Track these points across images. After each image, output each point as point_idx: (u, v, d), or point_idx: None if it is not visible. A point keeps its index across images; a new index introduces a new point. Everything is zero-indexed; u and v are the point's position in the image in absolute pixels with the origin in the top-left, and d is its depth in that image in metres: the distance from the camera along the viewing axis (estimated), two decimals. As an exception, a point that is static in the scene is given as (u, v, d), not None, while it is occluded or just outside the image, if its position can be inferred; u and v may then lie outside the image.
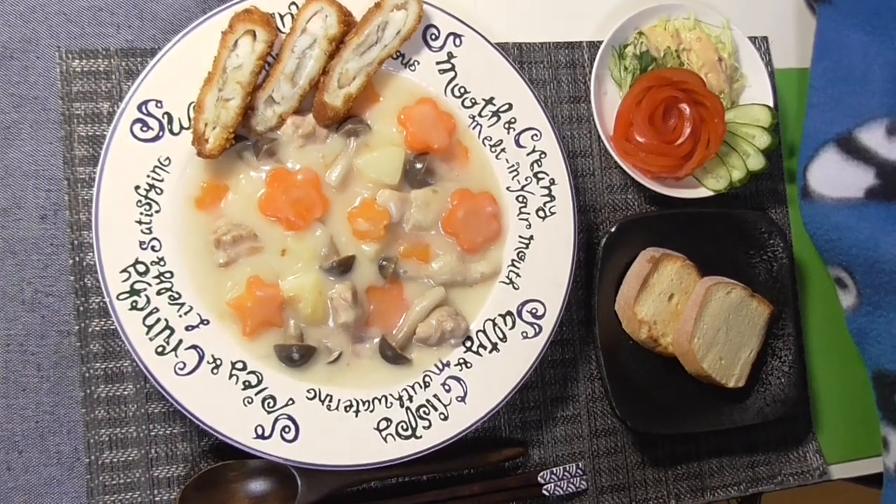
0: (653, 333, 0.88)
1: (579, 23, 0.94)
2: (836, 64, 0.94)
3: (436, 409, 0.82)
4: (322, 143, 0.82)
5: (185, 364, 0.75)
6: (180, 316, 0.76)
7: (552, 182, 0.86)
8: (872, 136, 0.91)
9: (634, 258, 0.90)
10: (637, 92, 0.89)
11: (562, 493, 0.88)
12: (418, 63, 0.84)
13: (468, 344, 0.84)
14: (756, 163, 0.92)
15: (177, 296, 0.76)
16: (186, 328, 0.76)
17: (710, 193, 0.92)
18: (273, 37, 0.77)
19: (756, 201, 0.97)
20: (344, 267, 0.80)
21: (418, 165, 0.83)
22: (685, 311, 0.89)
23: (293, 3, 0.80)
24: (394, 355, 0.82)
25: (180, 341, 0.76)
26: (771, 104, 0.94)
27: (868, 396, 0.92)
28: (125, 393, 0.79)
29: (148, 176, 0.76)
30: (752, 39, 0.97)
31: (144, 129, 0.76)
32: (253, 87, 0.78)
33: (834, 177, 0.92)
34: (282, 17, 0.80)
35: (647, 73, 0.90)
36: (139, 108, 0.76)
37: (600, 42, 0.92)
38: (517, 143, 0.86)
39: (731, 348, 0.90)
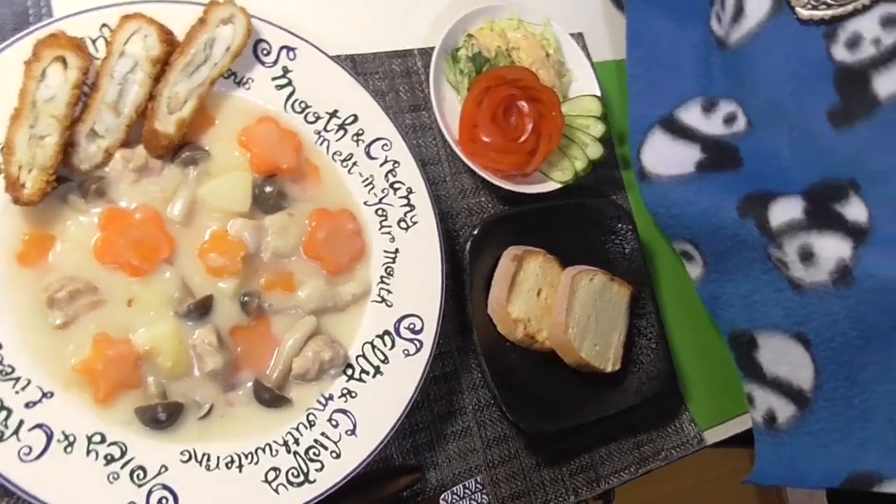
0: (528, 331, 0.91)
1: (408, 31, 0.96)
2: (648, 52, 1.03)
3: (326, 448, 0.77)
4: (158, 176, 0.76)
5: (30, 448, 0.66)
6: (17, 392, 0.66)
7: (409, 191, 0.86)
8: (691, 115, 1.01)
9: (498, 259, 0.93)
10: (477, 93, 0.92)
11: (466, 511, 0.88)
12: (253, 80, 0.81)
13: (349, 372, 0.81)
14: (595, 151, 0.98)
15: (9, 370, 0.66)
16: (27, 405, 0.66)
17: (558, 186, 0.97)
18: (87, 62, 0.71)
19: (599, 189, 1.04)
20: (202, 309, 0.75)
21: (268, 189, 0.80)
22: (556, 304, 0.92)
23: (104, 24, 0.74)
24: (271, 398, 0.77)
25: (21, 422, 0.66)
26: (598, 94, 1.01)
27: (728, 359, 1.00)
28: (-45, 498, 0.68)
29: (-47, 234, 0.67)
30: (570, 36, 1.04)
31: (-59, 179, 0.67)
32: (71, 120, 0.70)
33: (665, 156, 1.00)
34: (94, 41, 0.73)
35: (483, 73, 0.93)
36: (-68, 156, 0.67)
37: (431, 48, 0.94)
38: (368, 155, 0.85)
39: (602, 333, 0.94)
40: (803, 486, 0.92)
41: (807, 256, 0.86)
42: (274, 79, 0.82)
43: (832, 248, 0.84)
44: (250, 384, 0.77)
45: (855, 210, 0.85)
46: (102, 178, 0.73)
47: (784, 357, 0.92)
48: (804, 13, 0.90)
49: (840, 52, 0.88)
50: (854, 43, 0.87)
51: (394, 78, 0.94)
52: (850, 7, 0.87)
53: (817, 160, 0.89)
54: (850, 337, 0.85)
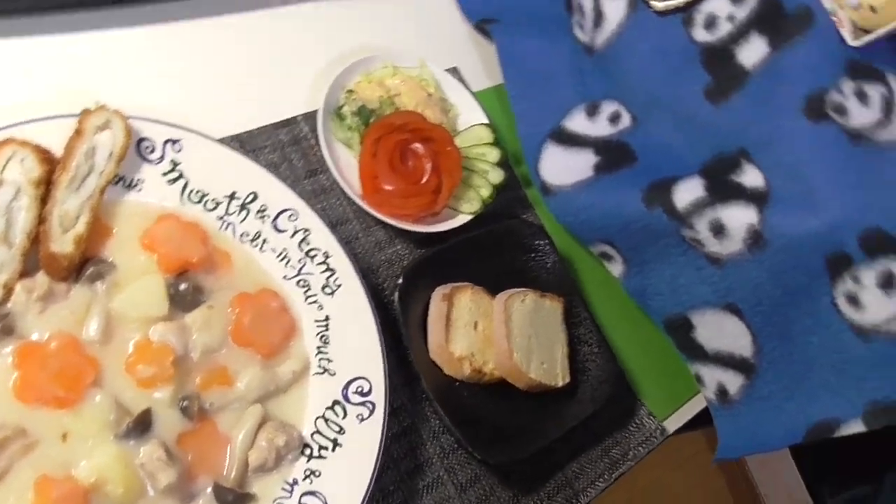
0: (474, 365, 0.91)
1: (288, 99, 0.96)
2: (523, 72, 1.07)
3: (302, 536, 0.76)
4: (65, 300, 0.73)
5: None
6: (-38, 563, 0.63)
7: (326, 255, 0.85)
8: (577, 122, 1.05)
9: (428, 303, 0.94)
10: (369, 145, 0.93)
11: (456, 562, 0.87)
12: (143, 181, 0.80)
13: (308, 452, 0.79)
14: (496, 176, 1.00)
15: (-52, 541, 0.63)
16: (-24, 574, 0.63)
17: (469, 217, 0.98)
18: (-35, 200, 0.69)
19: (509, 212, 1.06)
20: (142, 425, 0.72)
21: (183, 286, 0.78)
22: (495, 333, 0.93)
23: (-25, 157, 0.72)
24: (234, 497, 0.74)
25: None
26: (487, 122, 1.04)
27: (668, 346, 1.03)
28: None
29: None
30: (446, 72, 1.07)
31: None
32: (-40, 262, 0.68)
33: (563, 167, 1.03)
34: (-33, 176, 0.71)
35: (371, 124, 0.95)
36: None
37: (315, 112, 0.95)
38: (276, 229, 0.84)
39: (545, 350, 0.95)
40: (768, 449, 0.96)
41: (718, 230, 0.90)
42: (164, 174, 0.81)
43: (740, 217, 0.88)
44: (210, 489, 0.74)
45: (751, 177, 0.89)
46: (7, 315, 0.70)
47: (720, 331, 0.96)
48: (659, 5, 0.96)
49: (701, 34, 0.94)
50: (711, 23, 0.92)
51: (284, 148, 0.94)
52: (699, -9, 0.93)
53: (705, 139, 0.94)
54: (776, 296, 0.90)
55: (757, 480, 2.53)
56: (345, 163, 0.95)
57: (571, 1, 1.07)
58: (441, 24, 1.15)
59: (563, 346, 0.98)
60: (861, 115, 0.87)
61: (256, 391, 0.79)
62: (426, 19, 1.14)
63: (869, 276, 0.83)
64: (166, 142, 0.81)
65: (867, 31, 0.86)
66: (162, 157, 0.81)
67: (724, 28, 0.92)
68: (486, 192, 0.99)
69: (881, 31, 0.84)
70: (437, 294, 0.93)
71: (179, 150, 0.82)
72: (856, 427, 0.87)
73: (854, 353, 0.86)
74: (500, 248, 1.01)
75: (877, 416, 0.86)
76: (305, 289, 0.84)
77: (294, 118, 0.96)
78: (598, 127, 1.05)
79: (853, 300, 0.84)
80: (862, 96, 0.87)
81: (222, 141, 0.86)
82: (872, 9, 0.84)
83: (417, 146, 0.96)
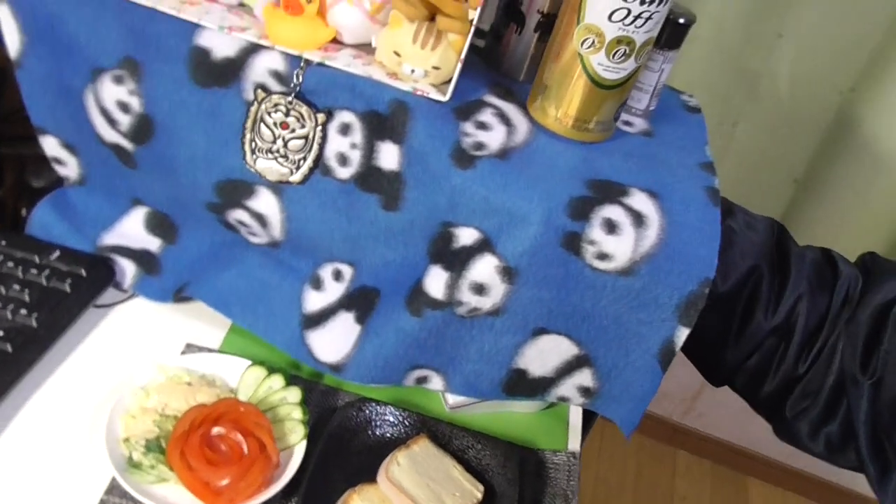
0: (410, 545, 0.97)
1: (81, 490, 0.96)
2: (242, 301, 1.15)
3: None
4: None
5: None
6: None
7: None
8: (314, 302, 1.14)
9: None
10: (179, 462, 0.96)
11: None
12: None
13: None
14: (294, 395, 1.06)
15: None
16: None
17: (304, 443, 1.04)
18: None
19: (329, 410, 1.13)
20: None
21: None
22: (400, 507, 1.00)
23: None
24: None
25: None
26: (250, 362, 1.11)
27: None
28: None
29: None
30: (182, 355, 1.13)
31: None
32: None
33: (334, 342, 1.11)
34: None
35: (168, 447, 0.98)
36: None
37: (113, 478, 0.96)
38: None
39: (446, 483, 1.03)
40: (650, 397, 1.08)
41: (479, 290, 1.03)
42: None
43: (485, 269, 1.01)
44: None
45: (466, 235, 1.02)
46: None
47: (544, 353, 1.09)
48: (296, 177, 1.08)
49: (344, 173, 1.04)
50: (343, 160, 1.05)
51: (113, 533, 0.94)
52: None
53: (413, 236, 1.06)
54: (555, 298, 1.03)
55: (671, 417, 2.79)
56: (174, 496, 0.97)
57: (228, 223, 1.17)
58: (148, 321, 1.20)
59: (454, 467, 1.07)
60: (494, 138, 1.04)
61: None
62: (131, 326, 1.18)
63: (596, 233, 0.99)
64: None
65: (447, 83, 1.04)
66: None
67: (356, 155, 1.06)
68: (297, 413, 1.06)
69: (454, 79, 1.03)
70: (342, 510, 0.98)
71: None
72: (683, 332, 1.03)
73: (633, 287, 1.02)
74: (347, 441, 1.08)
75: (689, 314, 1.02)
76: None
77: (101, 501, 0.96)
78: (332, 291, 1.15)
79: (602, 257, 1.00)
80: (482, 126, 1.05)
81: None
82: (435, 68, 1.03)
83: (217, 430, 1.00)
